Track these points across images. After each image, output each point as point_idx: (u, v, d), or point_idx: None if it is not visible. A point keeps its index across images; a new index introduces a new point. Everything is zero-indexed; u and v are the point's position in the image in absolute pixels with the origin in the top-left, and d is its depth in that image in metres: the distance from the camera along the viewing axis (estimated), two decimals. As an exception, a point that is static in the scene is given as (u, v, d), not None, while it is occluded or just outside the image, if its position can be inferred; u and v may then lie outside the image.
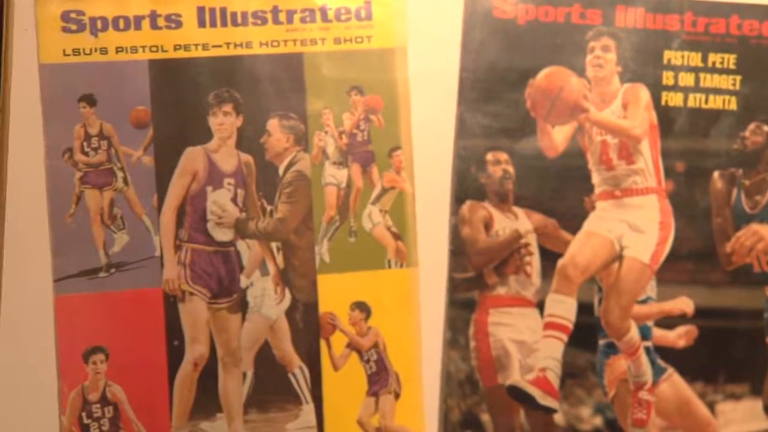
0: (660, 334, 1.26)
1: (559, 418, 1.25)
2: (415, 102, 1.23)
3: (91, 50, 1.18)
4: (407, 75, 1.22)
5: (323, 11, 1.22)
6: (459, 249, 1.24)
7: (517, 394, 1.24)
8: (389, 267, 1.23)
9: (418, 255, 1.23)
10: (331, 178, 1.23)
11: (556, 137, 1.24)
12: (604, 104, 1.25)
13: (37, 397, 1.18)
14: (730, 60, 1.25)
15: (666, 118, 1.25)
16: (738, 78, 1.25)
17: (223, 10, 1.20)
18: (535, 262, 1.25)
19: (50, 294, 1.18)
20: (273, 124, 1.22)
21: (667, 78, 1.25)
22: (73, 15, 1.18)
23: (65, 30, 1.18)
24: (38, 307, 1.18)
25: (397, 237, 1.23)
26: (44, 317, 1.18)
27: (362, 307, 1.23)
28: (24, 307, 1.18)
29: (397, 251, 1.23)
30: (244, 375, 1.22)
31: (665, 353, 1.26)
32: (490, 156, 1.24)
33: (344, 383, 1.23)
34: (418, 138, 1.23)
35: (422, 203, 1.24)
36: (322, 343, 1.23)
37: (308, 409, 1.22)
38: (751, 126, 1.26)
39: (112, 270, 1.19)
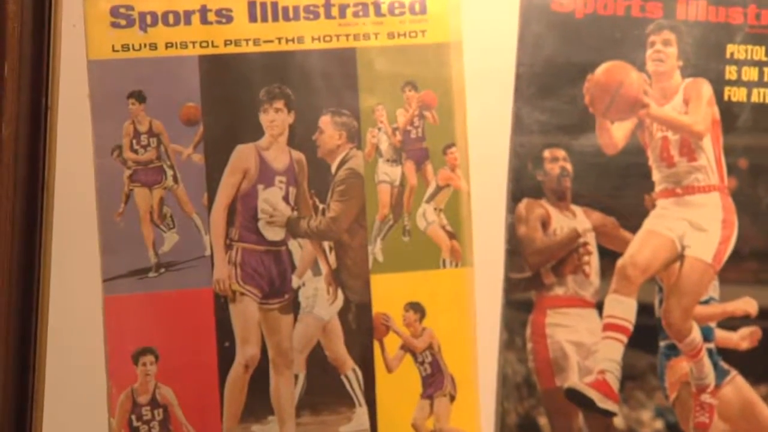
0: (723, 336, 1.23)
1: (618, 421, 1.22)
2: (470, 98, 1.21)
3: (140, 46, 1.17)
4: (462, 70, 1.20)
5: (376, 5, 1.20)
6: (515, 248, 1.22)
7: (575, 397, 1.21)
8: (444, 267, 1.21)
9: (474, 254, 1.21)
10: (384, 175, 1.21)
11: (616, 134, 1.22)
12: (665, 100, 1.22)
13: (87, 398, 1.17)
14: (795, 54, 1.22)
15: (729, 113, 1.22)
16: (803, 72, 1.23)
17: (275, 5, 1.18)
18: (593, 261, 1.22)
19: (99, 294, 1.17)
20: (325, 120, 1.20)
21: (730, 72, 1.22)
22: (122, 10, 1.17)
23: (114, 25, 1.17)
24: (87, 308, 1.17)
25: (452, 236, 1.21)
26: (93, 318, 1.17)
27: (416, 308, 1.21)
28: (73, 308, 1.17)
29: (452, 250, 1.21)
30: (296, 377, 1.20)
31: (728, 355, 1.23)
32: (547, 153, 1.21)
33: (398, 385, 1.21)
34: (474, 134, 1.21)
35: (478, 201, 1.22)
36: (376, 345, 1.21)
37: (361, 411, 1.20)
38: (816, 122, 1.23)
39: (162, 270, 1.18)
